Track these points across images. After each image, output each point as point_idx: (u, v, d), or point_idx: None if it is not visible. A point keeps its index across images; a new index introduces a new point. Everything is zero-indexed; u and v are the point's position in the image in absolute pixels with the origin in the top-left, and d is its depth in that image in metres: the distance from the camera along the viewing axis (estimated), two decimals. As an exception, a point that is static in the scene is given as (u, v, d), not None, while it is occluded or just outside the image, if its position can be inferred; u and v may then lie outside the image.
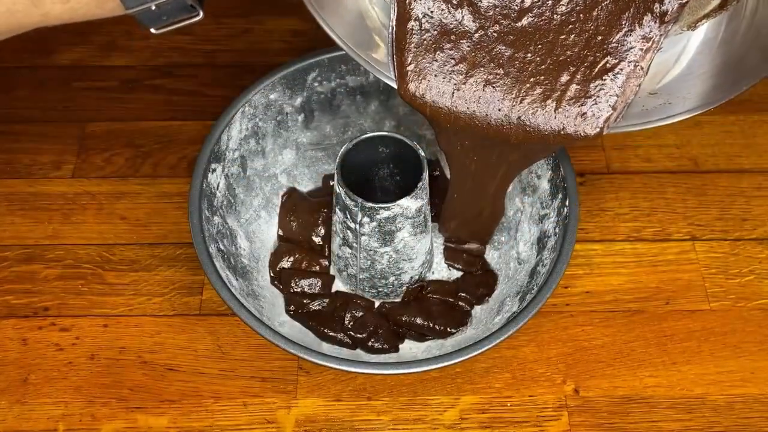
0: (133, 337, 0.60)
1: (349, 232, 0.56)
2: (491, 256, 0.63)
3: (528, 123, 0.48)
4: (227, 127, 0.60)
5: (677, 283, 0.63)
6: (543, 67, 0.47)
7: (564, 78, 0.47)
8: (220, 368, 0.59)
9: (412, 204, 0.54)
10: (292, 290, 0.60)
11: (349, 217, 0.54)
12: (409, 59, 0.48)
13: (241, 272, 0.58)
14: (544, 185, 0.60)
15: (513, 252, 0.61)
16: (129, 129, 0.71)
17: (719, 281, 0.63)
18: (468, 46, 0.48)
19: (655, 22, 0.46)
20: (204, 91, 0.74)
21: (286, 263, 0.61)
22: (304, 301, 0.59)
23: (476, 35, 0.47)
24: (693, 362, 0.59)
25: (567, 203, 0.57)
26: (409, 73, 0.48)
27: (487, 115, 0.48)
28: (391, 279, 0.59)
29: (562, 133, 0.48)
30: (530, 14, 0.47)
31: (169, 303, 0.61)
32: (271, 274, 0.61)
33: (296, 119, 0.64)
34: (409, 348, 0.59)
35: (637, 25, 0.46)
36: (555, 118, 0.48)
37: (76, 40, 0.77)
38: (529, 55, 0.47)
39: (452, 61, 0.48)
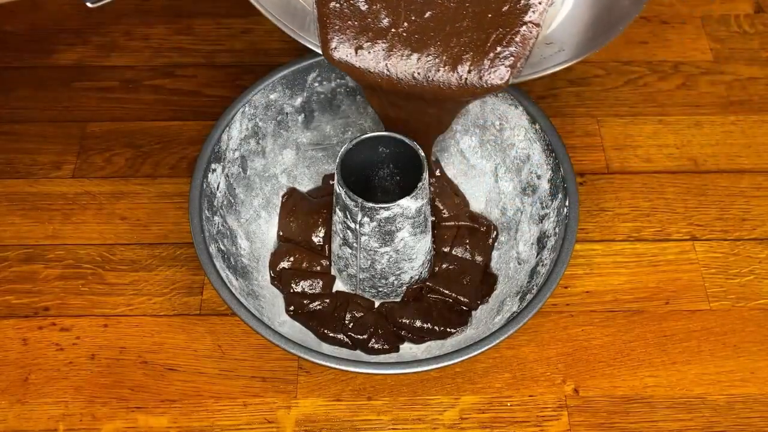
0: (134, 337, 0.60)
1: (349, 232, 0.56)
2: (491, 256, 0.63)
3: (437, 84, 0.54)
4: (227, 127, 0.60)
5: (677, 283, 0.63)
6: (444, 57, 0.53)
7: (464, 63, 0.53)
8: (220, 368, 0.59)
9: (412, 204, 0.54)
10: (292, 290, 0.60)
11: (349, 217, 0.54)
12: (334, 43, 0.54)
13: (241, 272, 0.58)
14: (544, 185, 0.60)
15: (513, 252, 0.61)
16: (129, 129, 0.71)
17: (719, 281, 0.63)
18: (383, 46, 0.54)
19: None
20: (204, 91, 0.73)
21: (286, 263, 0.61)
22: (304, 302, 0.59)
23: (389, 34, 0.54)
24: (693, 362, 0.59)
25: (567, 203, 0.57)
26: (332, 50, 0.54)
27: (400, 78, 0.54)
28: (391, 279, 0.59)
29: (469, 89, 0.53)
30: (432, 8, 0.54)
31: (169, 303, 0.61)
32: (271, 274, 0.61)
33: (296, 119, 0.64)
34: (409, 348, 0.59)
35: None
36: (463, 82, 0.54)
37: (76, 40, 0.77)
38: (432, 48, 0.53)
39: (370, 54, 0.54)
